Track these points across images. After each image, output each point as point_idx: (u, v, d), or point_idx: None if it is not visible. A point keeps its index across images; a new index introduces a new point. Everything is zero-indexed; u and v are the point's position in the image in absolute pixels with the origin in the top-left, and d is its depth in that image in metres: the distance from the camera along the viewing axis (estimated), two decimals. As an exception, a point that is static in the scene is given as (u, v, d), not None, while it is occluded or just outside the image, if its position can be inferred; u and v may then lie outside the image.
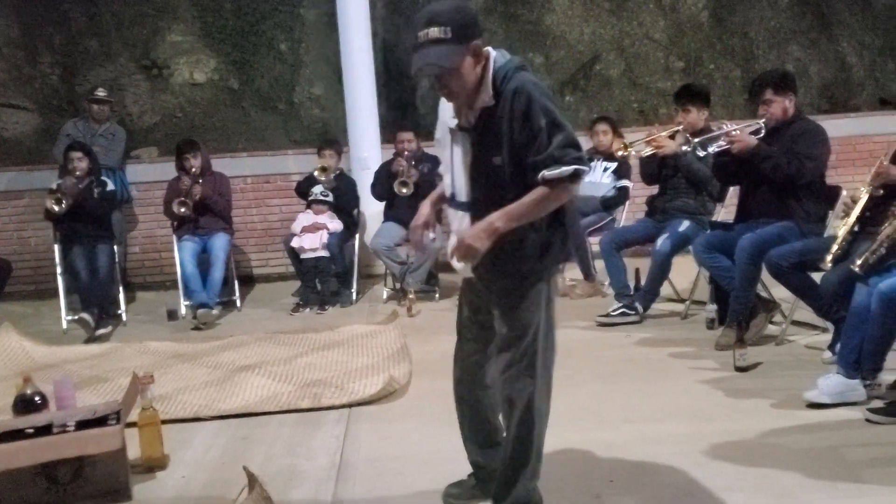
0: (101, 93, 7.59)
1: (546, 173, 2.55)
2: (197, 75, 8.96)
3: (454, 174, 2.76)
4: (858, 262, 3.88)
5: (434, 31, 2.51)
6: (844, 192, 4.84)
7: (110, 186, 6.81)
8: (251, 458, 3.67)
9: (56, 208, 6.39)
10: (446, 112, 2.76)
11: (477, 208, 2.68)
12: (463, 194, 2.74)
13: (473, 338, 2.96)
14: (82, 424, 3.32)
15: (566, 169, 2.54)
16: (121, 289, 6.87)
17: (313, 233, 6.81)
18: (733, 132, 4.95)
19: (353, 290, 7.06)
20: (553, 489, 3.27)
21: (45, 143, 8.24)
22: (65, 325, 6.58)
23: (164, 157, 8.16)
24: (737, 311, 4.89)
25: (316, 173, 6.95)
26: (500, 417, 2.93)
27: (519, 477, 2.84)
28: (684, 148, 5.38)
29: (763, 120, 4.91)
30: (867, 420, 3.67)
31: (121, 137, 7.64)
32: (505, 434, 2.88)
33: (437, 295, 6.92)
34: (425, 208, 2.94)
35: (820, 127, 4.87)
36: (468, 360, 2.99)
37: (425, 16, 2.55)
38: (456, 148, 2.74)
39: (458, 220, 2.77)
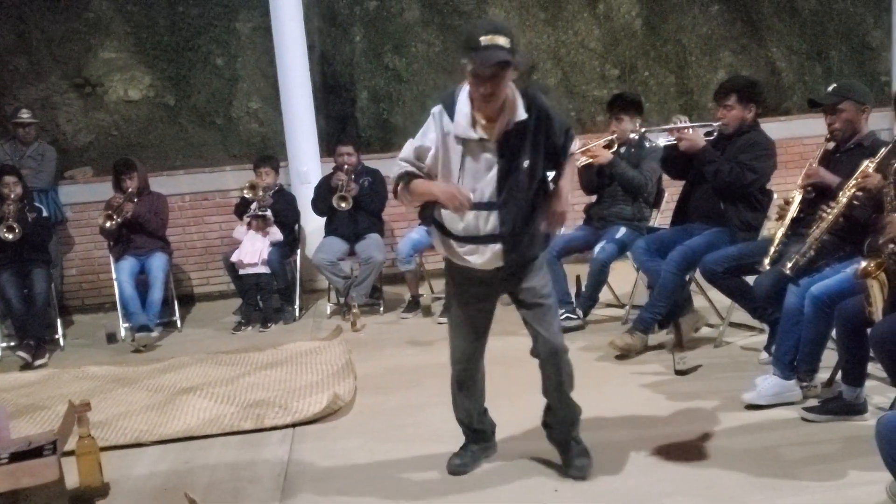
0: (25, 115, 7.34)
1: (573, 148, 3.29)
2: (132, 92, 8.81)
3: (469, 180, 3.11)
4: (789, 264, 3.98)
5: (500, 39, 2.90)
6: (776, 196, 4.95)
7: (45, 213, 6.63)
8: (194, 483, 3.62)
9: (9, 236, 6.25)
10: (459, 126, 3.07)
11: (507, 205, 3.10)
12: (486, 196, 3.10)
13: (481, 324, 3.39)
14: (17, 456, 3.24)
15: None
16: (57, 313, 6.72)
17: (253, 243, 6.73)
18: (685, 129, 5.03)
19: (296, 305, 7.00)
20: (497, 500, 3.29)
21: (-25, 166, 8.02)
22: (-1, 353, 6.42)
23: (99, 176, 8.00)
24: (646, 319, 4.96)
25: (245, 192, 6.86)
26: (547, 368, 3.36)
27: (574, 406, 3.47)
28: (632, 136, 5.43)
29: (719, 124, 5.00)
30: (803, 419, 3.77)
31: (51, 157, 7.42)
32: (557, 379, 3.37)
33: (381, 308, 6.90)
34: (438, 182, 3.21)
35: (770, 140, 4.96)
36: (477, 343, 3.42)
37: (489, 25, 3.01)
38: (472, 157, 3.11)
39: (482, 219, 3.12)
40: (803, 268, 3.96)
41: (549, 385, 3.38)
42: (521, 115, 3.06)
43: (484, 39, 2.89)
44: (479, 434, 3.62)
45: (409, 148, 3.25)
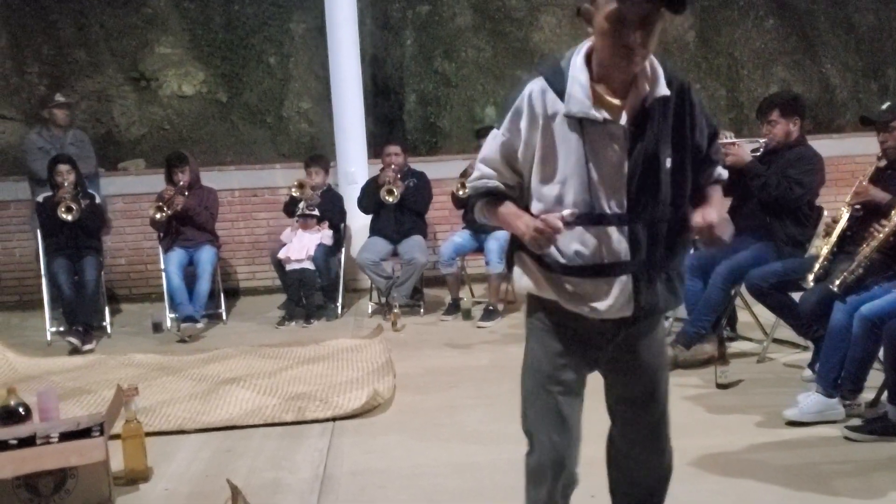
0: (61, 97, 7.41)
1: (722, 172, 2.35)
2: (185, 88, 8.98)
3: (589, 182, 2.13)
4: (837, 282, 3.94)
5: None
6: (826, 213, 4.91)
7: (98, 199, 6.78)
8: (235, 471, 3.67)
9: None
10: (575, 101, 2.10)
11: (640, 219, 2.15)
12: (614, 204, 2.14)
13: (577, 404, 2.40)
14: (66, 436, 3.33)
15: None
16: (106, 301, 6.87)
17: (300, 239, 6.83)
18: (731, 145, 5.02)
19: (339, 303, 7.08)
20: None
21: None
22: (49, 337, 6.55)
23: (151, 169, 8.16)
24: (689, 333, 4.91)
25: (293, 191, 6.97)
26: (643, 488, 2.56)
27: None
28: None
29: (765, 139, 4.99)
30: (846, 438, 3.73)
31: (88, 142, 7.49)
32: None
33: (421, 309, 6.95)
34: (527, 216, 2.20)
35: (817, 155, 4.93)
36: (576, 433, 2.41)
37: None
38: (592, 148, 2.12)
39: (607, 240, 2.15)
40: (851, 286, 3.93)
41: None
42: (663, 89, 2.11)
43: None
44: None
45: (493, 146, 2.27)
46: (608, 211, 2.14)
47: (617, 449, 2.51)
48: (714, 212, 2.16)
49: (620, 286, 2.16)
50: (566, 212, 2.08)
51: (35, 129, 7.49)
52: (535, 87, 2.16)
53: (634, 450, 2.44)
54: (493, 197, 2.29)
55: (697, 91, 2.03)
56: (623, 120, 2.11)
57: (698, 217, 2.16)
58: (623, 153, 2.11)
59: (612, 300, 2.17)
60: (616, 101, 2.12)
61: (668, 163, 2.15)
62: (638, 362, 2.33)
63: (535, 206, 2.21)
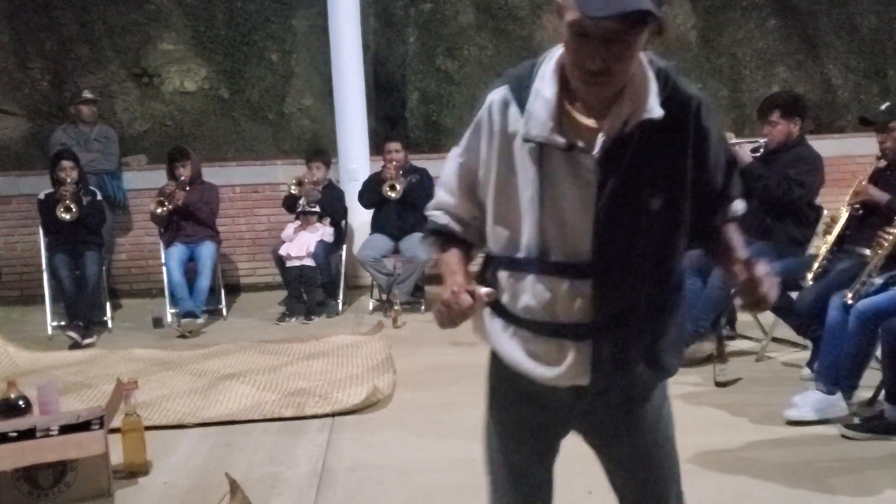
0: (88, 94, 7.52)
1: (738, 208, 1.88)
2: (187, 84, 8.98)
3: (553, 222, 1.70)
4: (850, 294, 3.91)
5: None
6: (826, 212, 4.92)
7: (99, 196, 6.79)
8: (234, 466, 3.69)
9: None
10: (535, 122, 1.66)
11: (609, 272, 1.69)
12: (575, 252, 1.69)
13: (536, 478, 2.08)
14: (65, 429, 3.34)
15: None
16: (107, 296, 6.88)
17: (300, 236, 6.84)
18: (731, 145, 5.04)
19: (340, 300, 7.09)
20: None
21: (34, 149, 8.25)
22: (50, 332, 6.57)
23: (153, 164, 8.17)
24: (688, 331, 4.91)
25: (292, 189, 6.98)
26: None
27: None
28: None
29: (765, 140, 5.00)
30: (843, 436, 3.75)
31: (114, 139, 7.57)
32: None
33: (422, 307, 6.95)
34: (460, 276, 1.82)
35: (817, 155, 4.95)
36: None
37: None
38: (551, 181, 1.68)
39: (564, 294, 1.70)
40: (864, 296, 3.91)
41: None
42: (653, 109, 1.62)
43: None
44: None
45: (451, 167, 1.88)
46: (565, 259, 1.70)
47: None
48: (761, 265, 1.71)
49: (576, 353, 1.73)
50: (484, 291, 1.73)
51: (62, 125, 7.57)
52: (497, 97, 1.74)
53: None
54: (442, 237, 1.91)
55: (700, 90, 1.69)
56: (597, 147, 1.64)
57: (740, 270, 1.73)
58: (591, 189, 1.66)
59: (562, 368, 1.74)
60: (590, 122, 1.66)
61: (655, 203, 1.68)
62: (619, 441, 1.92)
63: (492, 248, 1.83)
